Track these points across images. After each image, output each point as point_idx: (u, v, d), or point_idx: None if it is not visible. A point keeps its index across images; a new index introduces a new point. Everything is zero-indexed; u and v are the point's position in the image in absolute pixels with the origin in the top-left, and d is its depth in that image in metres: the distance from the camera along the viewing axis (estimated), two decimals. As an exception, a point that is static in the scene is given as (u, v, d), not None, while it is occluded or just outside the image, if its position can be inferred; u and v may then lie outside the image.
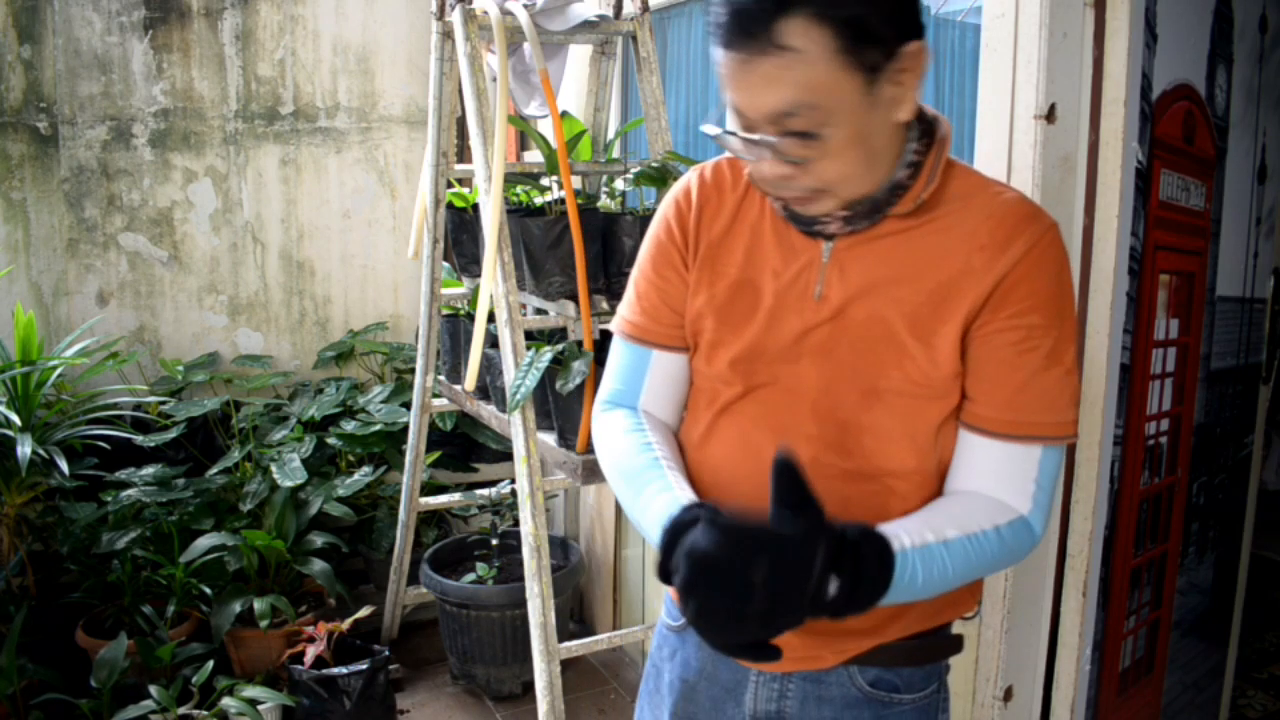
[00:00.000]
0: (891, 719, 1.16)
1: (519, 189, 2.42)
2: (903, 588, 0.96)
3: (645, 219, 2.25)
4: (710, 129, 1.05)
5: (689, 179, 1.21)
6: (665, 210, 1.21)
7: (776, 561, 0.88)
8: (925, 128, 1.09)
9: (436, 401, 2.82)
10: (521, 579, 2.71)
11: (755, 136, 1.00)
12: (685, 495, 1.07)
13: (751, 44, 0.95)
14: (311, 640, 2.61)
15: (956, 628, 1.24)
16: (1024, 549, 1.06)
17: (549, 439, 2.22)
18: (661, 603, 1.39)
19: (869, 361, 1.07)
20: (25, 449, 2.47)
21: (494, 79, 2.35)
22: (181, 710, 2.39)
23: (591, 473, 2.10)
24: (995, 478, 1.05)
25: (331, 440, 3.08)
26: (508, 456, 3.26)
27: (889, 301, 1.07)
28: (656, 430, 1.20)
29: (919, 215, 1.07)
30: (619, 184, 2.32)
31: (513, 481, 2.90)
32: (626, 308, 1.24)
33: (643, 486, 1.11)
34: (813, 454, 1.08)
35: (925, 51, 1.01)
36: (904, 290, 1.06)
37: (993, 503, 1.05)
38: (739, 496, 1.12)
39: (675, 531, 0.95)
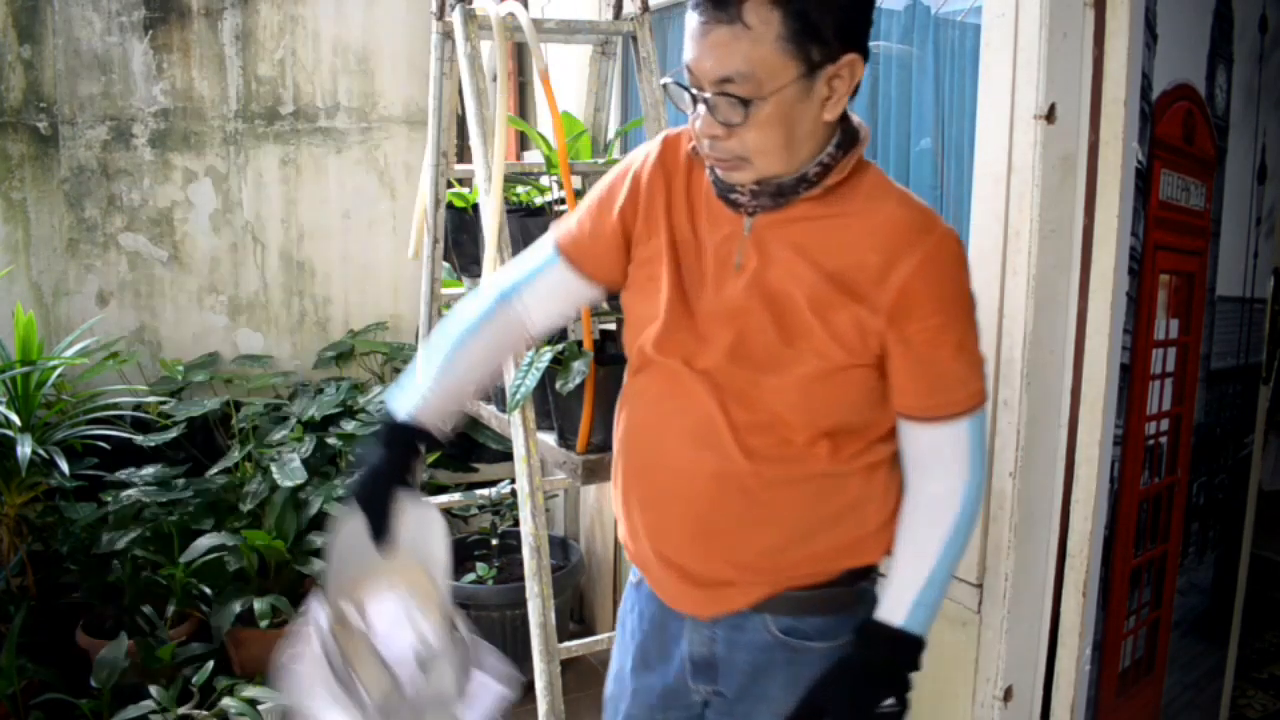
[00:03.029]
0: (802, 664, 1.29)
1: (519, 189, 2.42)
2: (926, 628, 1.23)
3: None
4: (666, 79, 1.21)
5: (653, 145, 1.34)
6: (628, 160, 1.36)
7: None
8: (848, 138, 1.22)
9: (436, 401, 2.82)
10: (521, 579, 2.70)
11: (696, 92, 1.15)
12: (403, 410, 1.36)
13: (717, 12, 1.10)
14: (311, 640, 2.60)
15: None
16: (975, 509, 1.26)
17: (549, 439, 2.22)
18: None
19: (779, 333, 1.21)
20: (25, 449, 2.47)
21: (494, 79, 2.35)
22: (181, 710, 2.39)
23: (592, 473, 2.10)
24: (934, 459, 1.24)
25: (332, 440, 3.07)
26: (508, 456, 3.25)
27: (792, 278, 1.21)
28: (510, 320, 1.39)
29: (829, 206, 1.21)
30: (619, 184, 2.32)
31: (513, 481, 2.89)
32: (564, 222, 1.40)
33: (411, 373, 1.38)
34: (720, 402, 1.24)
35: (861, 66, 1.15)
36: (806, 270, 1.20)
37: (941, 502, 1.24)
38: (653, 442, 1.30)
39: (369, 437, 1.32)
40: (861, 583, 1.33)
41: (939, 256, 1.18)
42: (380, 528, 1.29)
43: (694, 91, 1.15)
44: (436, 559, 1.30)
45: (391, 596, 1.29)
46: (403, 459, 1.33)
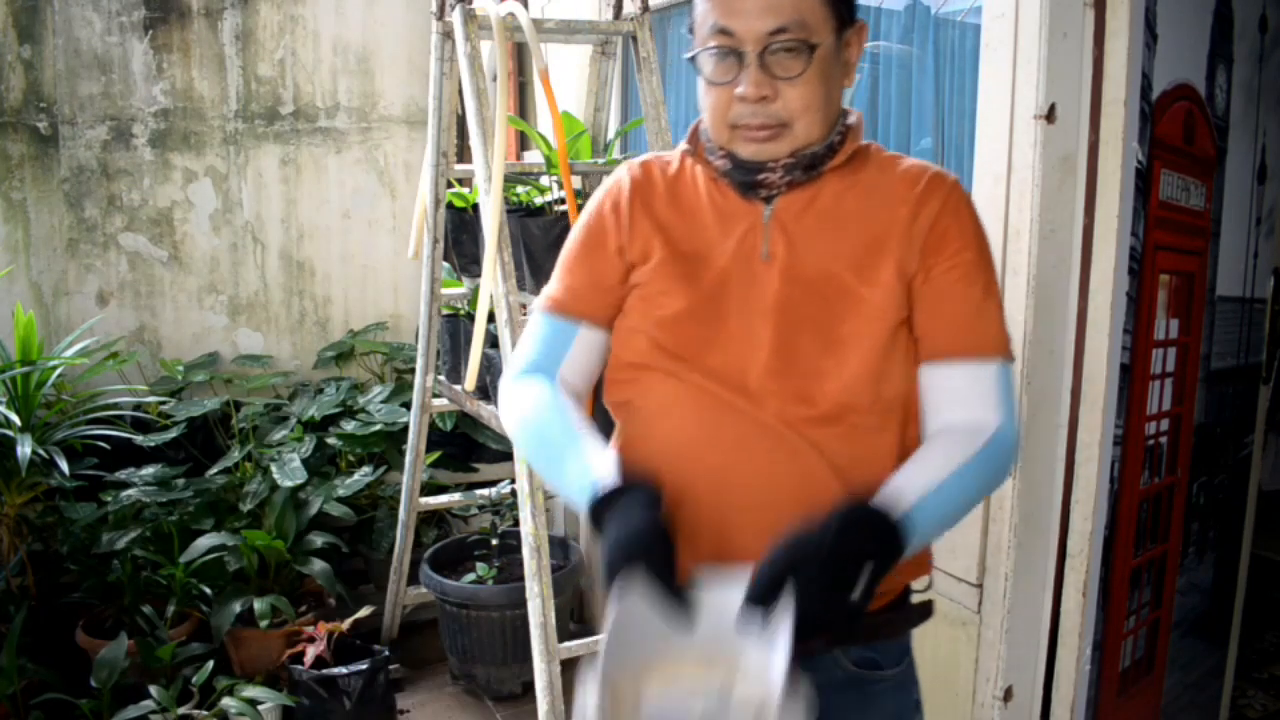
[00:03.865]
0: (875, 695, 1.22)
1: (519, 189, 2.42)
2: (917, 541, 1.06)
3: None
4: (693, 52, 1.17)
5: (620, 174, 1.31)
6: (598, 200, 1.31)
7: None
8: (843, 114, 1.24)
9: (436, 401, 2.82)
10: (521, 579, 2.71)
11: (745, 50, 1.12)
12: (603, 471, 1.15)
13: None
14: (311, 640, 2.61)
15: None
16: (1007, 458, 1.17)
17: (549, 439, 2.22)
18: None
19: (827, 314, 1.17)
20: (25, 449, 2.47)
21: (494, 79, 2.35)
22: (181, 710, 2.39)
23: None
24: (964, 400, 1.16)
25: (331, 440, 3.08)
26: (508, 456, 3.25)
27: (833, 257, 1.18)
28: (573, 399, 1.28)
29: (849, 176, 1.21)
30: (619, 184, 2.32)
31: (513, 481, 2.90)
32: (554, 286, 1.31)
33: (563, 456, 1.20)
34: (779, 407, 1.15)
35: (866, 33, 1.21)
36: (844, 245, 1.18)
37: (967, 431, 1.15)
38: (699, 462, 1.17)
39: (599, 509, 1.10)
40: (911, 598, 1.26)
41: (960, 199, 1.20)
42: (674, 592, 1.03)
43: (743, 50, 1.12)
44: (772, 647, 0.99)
45: (683, 688, 1.03)
46: (659, 514, 1.08)
